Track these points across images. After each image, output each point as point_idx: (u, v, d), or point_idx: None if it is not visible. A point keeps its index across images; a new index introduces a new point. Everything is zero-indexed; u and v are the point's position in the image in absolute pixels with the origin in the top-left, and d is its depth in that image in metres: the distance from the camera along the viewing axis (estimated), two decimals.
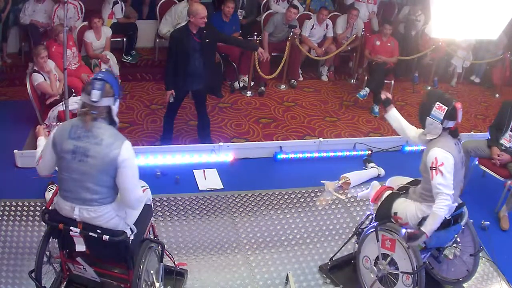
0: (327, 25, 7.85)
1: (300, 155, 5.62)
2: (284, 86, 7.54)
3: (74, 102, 4.91)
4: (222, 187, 5.03)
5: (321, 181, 5.16)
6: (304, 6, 8.40)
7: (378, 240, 3.59)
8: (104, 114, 2.88)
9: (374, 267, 3.67)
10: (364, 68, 7.66)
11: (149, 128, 6.09)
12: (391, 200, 3.66)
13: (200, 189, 4.98)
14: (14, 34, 7.28)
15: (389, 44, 7.37)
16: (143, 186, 3.41)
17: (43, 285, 3.17)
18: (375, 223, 3.65)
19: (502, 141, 5.02)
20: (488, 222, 4.57)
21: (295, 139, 6.17)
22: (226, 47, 6.43)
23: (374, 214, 3.84)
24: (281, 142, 5.78)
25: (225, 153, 5.44)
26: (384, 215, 3.66)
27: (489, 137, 5.12)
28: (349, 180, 5.17)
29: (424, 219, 3.44)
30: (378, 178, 5.29)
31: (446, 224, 3.53)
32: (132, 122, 6.16)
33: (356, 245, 3.88)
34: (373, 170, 5.44)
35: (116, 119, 2.95)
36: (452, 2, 3.00)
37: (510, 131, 5.00)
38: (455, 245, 3.79)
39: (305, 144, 5.83)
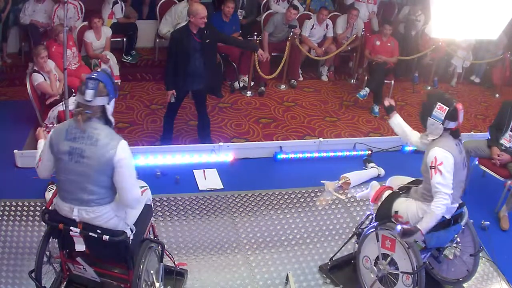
0: (327, 25, 7.85)
1: (300, 155, 5.62)
2: (284, 86, 7.54)
3: (74, 102, 4.91)
4: (222, 187, 5.03)
5: (321, 181, 5.16)
6: (304, 6, 8.40)
7: (378, 240, 3.59)
8: (99, 113, 2.87)
9: (374, 267, 3.67)
10: (364, 68, 7.66)
11: (149, 128, 6.09)
12: (392, 200, 3.66)
13: (200, 189, 4.98)
14: (14, 34, 7.28)
15: (389, 44, 7.37)
16: (143, 187, 3.42)
17: (43, 285, 3.17)
18: (375, 223, 3.66)
19: (502, 141, 5.02)
20: (488, 222, 4.57)
21: (295, 139, 6.17)
22: (226, 47, 6.43)
23: (374, 214, 3.84)
24: (281, 142, 5.78)
25: (225, 153, 5.44)
26: (384, 215, 3.66)
27: (489, 137, 5.12)
28: (349, 180, 5.17)
29: None
30: (378, 178, 5.29)
31: (446, 224, 3.53)
32: (132, 122, 6.16)
33: (356, 245, 3.88)
34: (373, 170, 5.44)
35: (112, 118, 2.93)
36: (452, 2, 3.00)
37: (510, 131, 5.00)
38: (455, 245, 3.79)
39: (305, 144, 5.83)
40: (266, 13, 7.98)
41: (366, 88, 7.02)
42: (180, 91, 5.35)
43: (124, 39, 7.38)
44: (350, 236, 4.15)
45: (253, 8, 8.09)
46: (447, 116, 3.35)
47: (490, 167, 5.07)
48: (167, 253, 3.68)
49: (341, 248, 4.13)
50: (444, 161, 3.30)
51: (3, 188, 4.57)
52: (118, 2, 7.24)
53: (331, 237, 4.51)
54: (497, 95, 8.35)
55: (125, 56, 7.51)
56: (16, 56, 7.32)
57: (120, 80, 6.65)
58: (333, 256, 4.12)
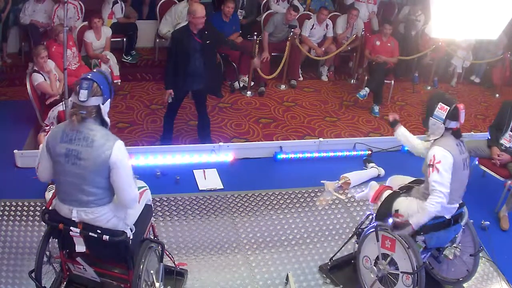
0: (327, 25, 7.85)
1: (300, 155, 5.62)
2: (284, 86, 7.54)
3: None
4: (222, 187, 5.03)
5: (321, 181, 5.16)
6: (304, 6, 8.40)
7: (378, 240, 3.59)
8: (94, 113, 2.85)
9: (374, 267, 3.67)
10: (364, 68, 7.66)
11: (149, 128, 6.09)
12: (392, 200, 3.67)
13: (200, 189, 4.98)
14: (14, 34, 7.28)
15: (389, 44, 7.37)
16: (143, 187, 3.41)
17: (43, 285, 3.17)
18: (375, 223, 3.66)
19: (502, 141, 5.02)
20: (488, 222, 4.57)
21: (295, 139, 6.18)
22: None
23: (374, 214, 3.84)
24: (281, 142, 5.77)
25: (225, 153, 5.44)
26: (385, 215, 3.65)
27: (489, 137, 5.13)
28: (349, 180, 5.17)
29: None
30: (378, 178, 5.29)
31: (446, 224, 3.53)
32: (132, 122, 6.16)
33: (356, 245, 3.88)
34: (373, 170, 5.44)
35: (107, 119, 2.92)
36: (452, 2, 3.00)
37: (510, 131, 5.00)
38: (455, 245, 3.79)
39: (305, 144, 5.83)
40: (266, 13, 7.98)
41: (366, 88, 7.02)
42: (180, 91, 5.35)
43: (124, 39, 7.38)
44: (350, 236, 4.15)
45: (253, 8, 8.09)
46: (448, 116, 3.37)
47: (490, 167, 5.07)
48: (167, 253, 3.68)
49: (341, 248, 4.13)
50: (443, 159, 3.32)
51: (3, 188, 4.57)
52: (118, 2, 7.24)
53: (331, 237, 4.51)
54: (497, 95, 8.35)
55: (125, 56, 7.51)
56: (16, 56, 7.32)
57: (120, 80, 6.65)
58: (333, 256, 4.12)
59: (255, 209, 4.77)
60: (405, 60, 7.87)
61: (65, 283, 3.32)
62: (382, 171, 5.43)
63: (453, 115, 3.38)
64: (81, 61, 6.35)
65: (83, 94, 2.78)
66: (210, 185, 5.04)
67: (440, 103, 3.41)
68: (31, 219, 4.28)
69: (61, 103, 4.96)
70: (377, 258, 3.64)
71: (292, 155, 5.59)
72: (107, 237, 2.91)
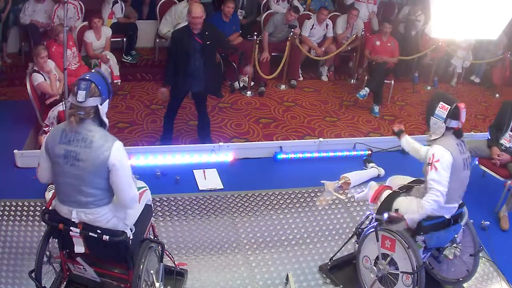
0: (327, 25, 7.85)
1: (300, 155, 5.62)
2: (284, 86, 7.54)
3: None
4: (222, 187, 5.03)
5: (321, 181, 5.16)
6: (304, 6, 8.39)
7: (378, 240, 3.59)
8: (92, 114, 2.84)
9: (374, 267, 3.67)
10: (364, 68, 7.66)
11: (149, 128, 6.09)
12: (391, 200, 3.67)
13: (200, 189, 4.98)
14: (14, 34, 7.28)
15: (389, 44, 7.37)
16: (143, 187, 3.41)
17: (43, 285, 3.17)
18: (375, 223, 3.65)
19: (502, 141, 5.03)
20: (488, 222, 4.57)
21: (295, 139, 6.18)
22: None
23: (374, 214, 3.84)
24: (281, 142, 5.77)
25: (225, 153, 5.44)
26: None
27: (489, 137, 5.13)
28: (349, 180, 5.17)
29: (424, 218, 3.45)
30: (378, 178, 5.29)
31: (446, 224, 3.53)
32: (132, 122, 6.16)
33: (356, 245, 3.88)
34: (373, 170, 5.44)
35: (105, 119, 2.91)
36: (452, 2, 3.00)
37: (510, 131, 5.01)
38: (455, 245, 3.79)
39: (305, 144, 5.83)
40: (266, 13, 7.98)
41: (366, 88, 7.02)
42: (180, 91, 5.36)
43: (124, 39, 7.38)
44: (350, 236, 4.15)
45: (253, 8, 8.09)
46: (449, 115, 3.38)
47: (490, 167, 5.07)
48: (167, 253, 3.68)
49: (341, 248, 4.13)
50: (441, 158, 3.33)
51: (3, 188, 4.57)
52: (118, 2, 7.24)
53: (331, 237, 4.51)
54: (497, 95, 8.36)
55: (125, 56, 7.51)
56: (16, 56, 7.32)
57: (120, 80, 6.65)
58: (333, 256, 4.12)
59: (255, 209, 4.77)
60: (405, 60, 7.88)
61: (65, 283, 3.32)
62: (382, 171, 5.43)
63: (454, 114, 3.38)
64: (81, 61, 6.35)
65: (81, 94, 2.77)
66: (210, 185, 5.04)
67: (441, 102, 3.42)
68: (31, 219, 4.28)
69: (61, 103, 4.97)
70: (377, 258, 3.64)
71: (292, 155, 5.59)
72: (107, 237, 2.91)
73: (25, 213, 4.34)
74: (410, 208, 3.53)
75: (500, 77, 8.42)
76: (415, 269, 3.41)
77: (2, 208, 4.35)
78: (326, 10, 7.75)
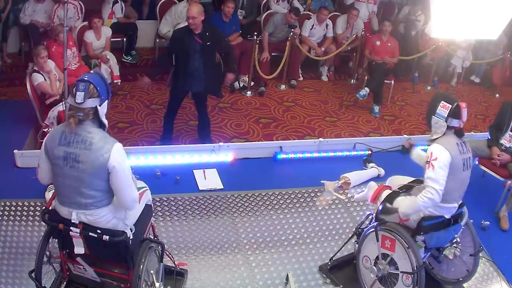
0: (327, 25, 7.86)
1: (300, 155, 5.62)
2: (284, 86, 7.54)
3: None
4: (222, 187, 5.03)
5: (321, 181, 5.16)
6: (304, 6, 8.40)
7: (378, 240, 3.59)
8: (91, 115, 2.83)
9: (374, 267, 3.67)
10: (364, 68, 7.66)
11: (149, 128, 6.09)
12: (391, 199, 3.66)
13: (200, 189, 4.98)
14: (14, 34, 7.28)
15: (389, 44, 7.37)
16: (143, 187, 3.41)
17: (43, 285, 3.17)
18: (375, 223, 3.66)
19: (502, 141, 5.03)
20: (488, 222, 4.57)
21: (295, 139, 6.18)
22: None
23: (374, 214, 3.84)
24: (281, 142, 5.77)
25: (225, 153, 5.44)
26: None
27: (489, 137, 5.13)
28: (349, 180, 5.17)
29: (424, 218, 3.45)
30: (378, 178, 5.29)
31: (446, 224, 3.54)
32: (132, 122, 6.16)
33: (356, 245, 3.88)
34: (373, 170, 5.44)
35: (105, 120, 2.90)
36: (452, 2, 3.00)
37: (510, 131, 5.01)
38: (455, 245, 3.79)
39: (305, 144, 5.83)
40: (266, 13, 7.98)
41: (366, 88, 7.02)
42: (180, 91, 5.36)
43: (124, 39, 7.38)
44: (350, 236, 4.15)
45: (253, 8, 8.09)
46: (450, 114, 3.39)
47: (490, 167, 5.07)
48: (167, 253, 3.67)
49: (341, 248, 4.13)
50: (439, 157, 3.33)
51: (3, 188, 4.57)
52: (118, 2, 7.24)
53: (331, 237, 4.51)
54: (497, 95, 8.36)
55: (125, 56, 7.51)
56: (16, 56, 7.32)
57: (120, 80, 6.65)
58: (333, 256, 4.12)
59: (255, 209, 4.77)
60: (405, 60, 7.88)
61: (65, 283, 3.32)
62: (382, 171, 5.43)
63: (455, 113, 3.39)
64: (81, 61, 6.34)
65: (80, 96, 2.76)
66: (210, 185, 5.04)
67: (443, 102, 3.43)
68: (31, 219, 4.28)
69: (61, 103, 4.97)
70: (377, 258, 3.64)
71: (292, 155, 5.59)
72: (107, 237, 2.91)
73: (25, 213, 4.34)
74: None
75: (500, 77, 8.42)
76: (415, 269, 3.41)
77: (2, 208, 4.35)
78: (326, 10, 7.75)
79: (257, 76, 7.18)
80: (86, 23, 6.69)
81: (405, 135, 6.17)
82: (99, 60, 6.48)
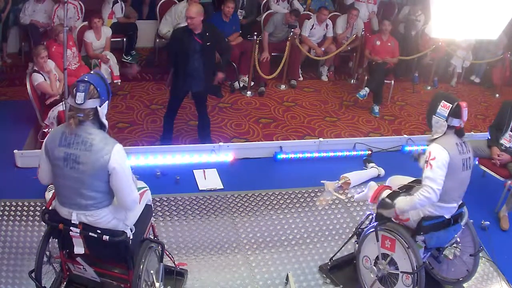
0: (327, 25, 7.85)
1: (300, 155, 5.62)
2: (284, 86, 7.54)
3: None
4: (222, 187, 5.03)
5: (321, 181, 5.16)
6: (304, 6, 8.40)
7: (378, 240, 3.59)
8: (91, 116, 2.82)
9: (374, 267, 3.67)
10: (364, 68, 7.66)
11: (149, 128, 6.09)
12: (391, 199, 3.66)
13: (200, 189, 4.98)
14: (14, 34, 7.28)
15: (389, 44, 7.37)
16: (143, 188, 3.41)
17: (43, 285, 3.17)
18: (375, 223, 3.66)
19: (502, 141, 5.02)
20: (488, 222, 4.57)
21: (295, 139, 6.17)
22: None
23: (374, 214, 3.84)
24: (281, 142, 5.77)
25: (225, 153, 5.44)
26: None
27: (489, 137, 5.13)
28: (349, 180, 5.17)
29: (424, 218, 3.45)
30: (378, 178, 5.29)
31: (446, 224, 3.54)
32: (132, 122, 6.16)
33: (356, 245, 3.88)
34: (373, 170, 5.44)
35: (105, 121, 2.89)
36: (452, 2, 3.00)
37: (510, 131, 5.00)
38: (455, 245, 3.79)
39: (305, 144, 5.83)
40: (266, 13, 7.98)
41: (366, 88, 7.02)
42: (179, 91, 5.36)
43: (124, 39, 7.38)
44: (350, 236, 4.15)
45: (253, 8, 8.09)
46: (450, 113, 3.39)
47: (490, 167, 5.07)
48: (167, 253, 3.68)
49: (341, 248, 4.13)
50: (437, 156, 3.34)
51: (3, 188, 4.57)
52: (118, 2, 7.23)
53: (331, 237, 4.51)
54: (497, 95, 8.36)
55: (125, 56, 7.50)
56: (16, 56, 7.32)
57: (120, 80, 6.65)
58: (333, 256, 4.12)
59: (255, 209, 4.77)
60: (405, 60, 7.87)
61: (65, 283, 3.32)
62: (382, 171, 5.43)
63: (455, 112, 3.39)
64: (81, 61, 6.34)
65: (80, 96, 2.75)
66: (210, 185, 5.04)
67: (443, 101, 3.43)
68: (31, 219, 4.28)
69: (61, 103, 4.97)
70: (377, 258, 3.64)
71: (292, 155, 5.59)
72: (107, 237, 2.91)
73: (25, 213, 4.34)
74: None
75: (500, 77, 8.42)
76: (415, 269, 3.41)
77: (2, 208, 4.35)
78: (326, 10, 7.75)
79: (257, 76, 7.18)
80: (86, 23, 6.69)
81: (405, 135, 6.17)
82: (99, 60, 6.48)
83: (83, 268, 3.18)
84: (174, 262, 3.72)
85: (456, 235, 3.71)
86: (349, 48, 7.97)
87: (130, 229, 3.08)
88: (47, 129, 5.05)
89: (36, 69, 5.29)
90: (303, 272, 4.08)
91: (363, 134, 6.54)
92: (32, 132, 5.50)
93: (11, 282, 3.63)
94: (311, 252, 4.31)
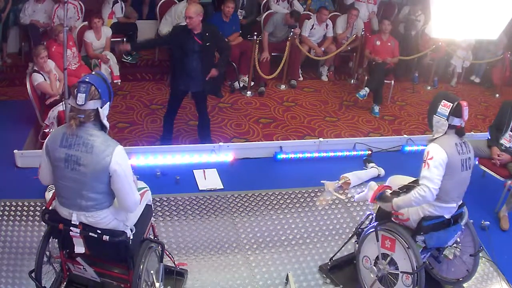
0: (327, 25, 7.86)
1: (300, 155, 5.62)
2: (284, 86, 7.54)
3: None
4: (222, 187, 5.03)
5: (321, 181, 5.16)
6: (304, 6, 8.40)
7: (378, 240, 3.59)
8: (92, 117, 2.81)
9: (374, 267, 3.67)
10: (364, 68, 7.66)
11: (149, 128, 6.09)
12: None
13: (200, 189, 4.98)
14: (14, 34, 7.28)
15: (389, 44, 7.37)
16: (143, 188, 3.40)
17: (43, 285, 3.17)
18: (375, 223, 3.66)
19: (502, 141, 5.02)
20: (488, 222, 4.58)
21: (295, 139, 6.18)
22: None
23: (374, 214, 3.84)
24: (281, 142, 5.77)
25: (225, 153, 5.44)
26: (384, 214, 3.66)
27: (489, 137, 5.12)
28: (349, 180, 5.17)
29: (424, 218, 3.45)
30: (378, 178, 5.29)
31: (446, 224, 3.54)
32: (132, 122, 6.16)
33: (356, 245, 3.88)
34: (373, 170, 5.44)
35: (106, 123, 2.88)
36: (452, 2, 3.00)
37: (510, 131, 5.00)
38: (455, 245, 3.79)
39: (305, 144, 5.83)
40: (266, 13, 7.98)
41: (366, 88, 7.02)
42: (178, 91, 5.36)
43: (124, 39, 7.37)
44: (350, 236, 4.15)
45: (253, 8, 8.09)
46: (451, 112, 3.39)
47: (490, 167, 5.07)
48: (167, 253, 3.68)
49: (341, 248, 4.13)
50: (435, 156, 3.34)
51: (3, 188, 4.57)
52: (118, 2, 7.24)
53: (331, 237, 4.51)
54: (497, 95, 8.36)
55: (125, 56, 7.50)
56: (16, 56, 7.32)
57: (120, 80, 6.65)
58: (333, 256, 4.12)
59: (255, 209, 4.77)
60: (405, 60, 7.87)
61: (65, 283, 3.32)
62: (382, 171, 5.43)
63: (456, 111, 3.39)
64: (81, 61, 6.35)
65: (81, 97, 2.74)
66: (210, 185, 5.04)
67: (444, 100, 3.43)
68: (31, 219, 4.28)
69: (61, 103, 4.97)
70: (377, 258, 3.64)
71: (292, 155, 5.59)
72: (107, 237, 2.91)
73: (25, 213, 4.34)
74: (410, 207, 3.53)
75: (500, 77, 8.42)
76: (415, 269, 3.41)
77: (2, 208, 4.35)
78: (326, 10, 7.75)
79: (257, 76, 7.18)
80: (86, 23, 6.69)
81: (405, 135, 6.17)
82: (99, 60, 6.48)
83: (83, 268, 3.18)
84: (174, 262, 3.73)
85: (456, 235, 3.71)
86: (349, 48, 7.97)
87: (130, 229, 3.08)
88: (48, 129, 5.04)
89: (36, 69, 5.29)
90: (303, 272, 4.08)
91: (363, 134, 6.54)
92: (32, 132, 5.50)
93: (11, 282, 3.63)
94: (311, 252, 4.31)
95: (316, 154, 5.67)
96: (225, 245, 4.30)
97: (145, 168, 5.02)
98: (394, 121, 7.08)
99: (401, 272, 3.52)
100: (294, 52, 7.39)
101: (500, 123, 5.07)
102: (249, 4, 7.93)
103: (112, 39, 6.80)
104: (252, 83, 7.25)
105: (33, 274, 3.12)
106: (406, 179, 3.87)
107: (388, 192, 3.75)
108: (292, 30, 7.25)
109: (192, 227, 4.45)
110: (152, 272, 3.21)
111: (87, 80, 2.79)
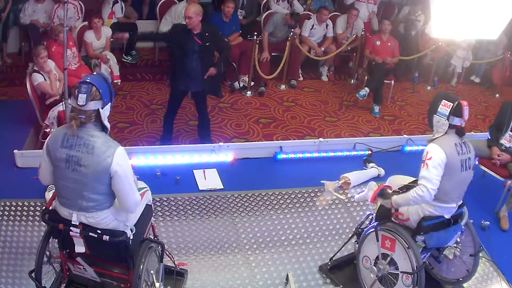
0: (327, 25, 7.85)
1: (300, 155, 5.62)
2: (284, 86, 7.54)
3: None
4: (222, 187, 5.03)
5: (321, 181, 5.16)
6: (304, 6, 8.40)
7: (378, 240, 3.59)
8: (93, 118, 2.81)
9: (374, 267, 3.67)
10: (364, 68, 7.66)
11: (149, 128, 6.09)
12: None
13: (200, 189, 4.98)
14: (14, 34, 7.28)
15: (389, 44, 7.38)
16: (143, 188, 3.40)
17: (43, 285, 3.17)
18: (375, 223, 3.66)
19: (502, 141, 5.02)
20: (488, 222, 4.58)
21: (295, 139, 6.17)
22: None
23: (374, 214, 3.84)
24: (281, 142, 5.77)
25: (225, 153, 5.44)
26: (384, 214, 3.66)
27: (489, 137, 5.12)
28: (349, 180, 5.17)
29: (424, 218, 3.45)
30: (378, 178, 5.29)
31: (446, 224, 3.54)
32: (132, 122, 6.16)
33: (356, 245, 3.88)
34: (373, 170, 5.44)
35: (107, 123, 2.88)
36: (452, 2, 3.00)
37: (510, 131, 5.00)
38: (455, 245, 3.79)
39: (305, 144, 5.83)
40: (266, 13, 7.98)
41: (366, 88, 7.02)
42: (178, 91, 5.36)
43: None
44: (350, 236, 4.15)
45: (253, 8, 8.08)
46: (451, 112, 3.39)
47: (490, 167, 5.07)
48: (167, 253, 3.68)
49: (341, 248, 4.13)
50: (434, 156, 3.34)
51: (3, 188, 4.57)
52: (118, 2, 7.24)
53: (331, 237, 4.51)
54: (497, 95, 8.36)
55: (125, 56, 7.50)
56: (16, 56, 7.32)
57: (120, 80, 6.65)
58: (333, 256, 4.12)
59: (255, 209, 4.77)
60: (405, 60, 7.87)
61: (65, 283, 3.32)
62: (382, 171, 5.43)
63: (456, 111, 3.39)
64: (81, 61, 6.35)
65: (82, 98, 2.74)
66: (210, 185, 5.04)
67: (444, 100, 3.43)
68: (31, 219, 4.28)
69: (61, 103, 4.97)
70: (377, 258, 3.64)
71: (292, 155, 5.59)
72: (107, 237, 2.91)
73: (25, 213, 4.34)
74: (410, 207, 3.53)
75: (500, 77, 8.42)
76: (415, 269, 3.41)
77: (2, 208, 4.35)
78: (326, 10, 7.75)
79: (257, 76, 7.18)
80: (86, 23, 6.69)
81: (405, 135, 6.17)
82: (99, 60, 6.48)
83: (83, 268, 3.18)
84: (174, 262, 3.73)
85: (456, 235, 3.71)
86: (349, 48, 7.97)
87: (130, 229, 3.08)
88: (48, 129, 5.04)
89: (36, 69, 5.29)
90: (303, 272, 4.08)
91: (363, 134, 6.54)
92: (32, 132, 5.50)
93: (11, 282, 3.63)
94: (311, 252, 4.31)
95: (316, 154, 5.67)
96: (225, 245, 4.30)
97: (145, 168, 5.02)
98: (394, 121, 7.08)
99: (401, 272, 3.52)
100: (294, 52, 7.39)
101: (500, 123, 5.07)
102: (249, 4, 7.93)
103: (112, 39, 6.80)
104: (252, 83, 7.25)
105: (33, 274, 3.12)
106: (406, 179, 3.87)
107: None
108: (292, 30, 7.25)
109: (192, 227, 4.45)
110: (152, 272, 3.21)
111: (88, 80, 2.79)
